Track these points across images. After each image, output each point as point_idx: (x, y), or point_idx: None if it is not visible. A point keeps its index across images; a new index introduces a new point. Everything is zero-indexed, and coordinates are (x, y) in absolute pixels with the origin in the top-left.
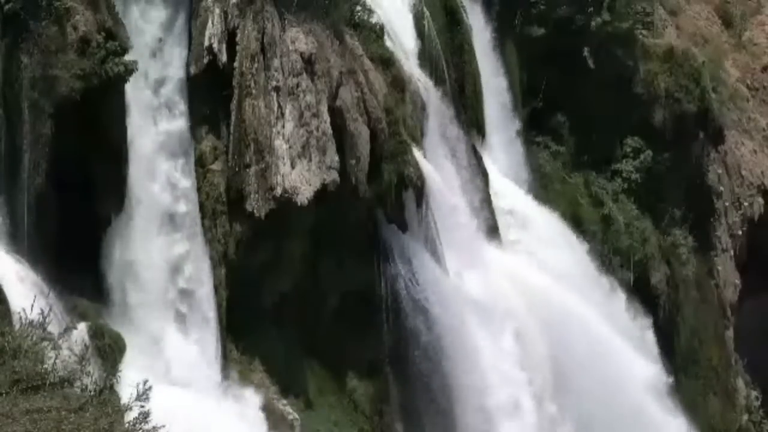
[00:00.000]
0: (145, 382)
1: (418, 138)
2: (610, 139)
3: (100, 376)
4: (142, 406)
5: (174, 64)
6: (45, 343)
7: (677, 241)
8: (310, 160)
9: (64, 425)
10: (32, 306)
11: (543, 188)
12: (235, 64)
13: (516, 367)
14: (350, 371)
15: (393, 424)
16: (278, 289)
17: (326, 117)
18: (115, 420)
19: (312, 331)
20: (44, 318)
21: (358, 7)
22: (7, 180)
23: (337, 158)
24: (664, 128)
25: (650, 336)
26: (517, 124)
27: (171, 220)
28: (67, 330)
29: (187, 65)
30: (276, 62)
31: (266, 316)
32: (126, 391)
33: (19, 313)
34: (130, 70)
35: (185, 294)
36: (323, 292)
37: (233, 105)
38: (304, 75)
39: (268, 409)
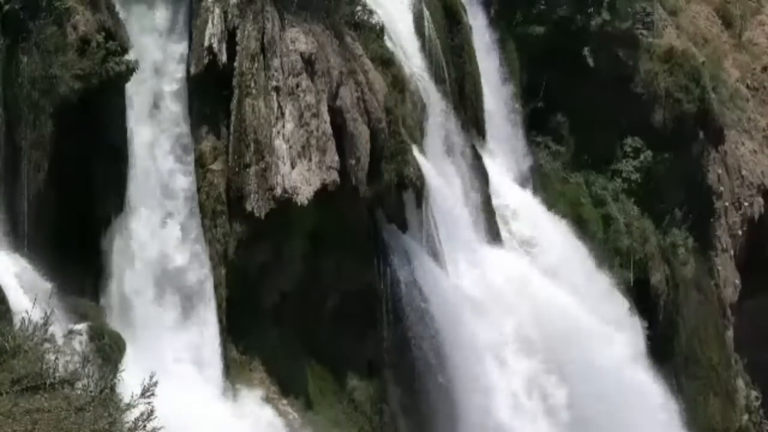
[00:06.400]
0: (152, 376)
1: (418, 138)
2: (610, 139)
3: (101, 376)
4: (148, 403)
5: (174, 64)
6: (45, 344)
7: (677, 241)
8: (310, 160)
9: (65, 425)
10: (33, 306)
11: (543, 188)
12: (235, 64)
13: (516, 366)
14: (350, 371)
15: (393, 424)
16: (278, 289)
17: (326, 117)
18: (116, 420)
19: (312, 331)
20: (45, 318)
21: (358, 7)
22: (7, 180)
23: (337, 158)
24: (664, 128)
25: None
26: (517, 124)
27: (171, 220)
28: (68, 330)
29: (187, 65)
30: (276, 62)
31: (266, 316)
32: (125, 392)
33: (21, 313)
34: (131, 69)
35: (185, 294)
36: (323, 292)
37: (233, 105)
38: (304, 75)
39: (267, 410)
